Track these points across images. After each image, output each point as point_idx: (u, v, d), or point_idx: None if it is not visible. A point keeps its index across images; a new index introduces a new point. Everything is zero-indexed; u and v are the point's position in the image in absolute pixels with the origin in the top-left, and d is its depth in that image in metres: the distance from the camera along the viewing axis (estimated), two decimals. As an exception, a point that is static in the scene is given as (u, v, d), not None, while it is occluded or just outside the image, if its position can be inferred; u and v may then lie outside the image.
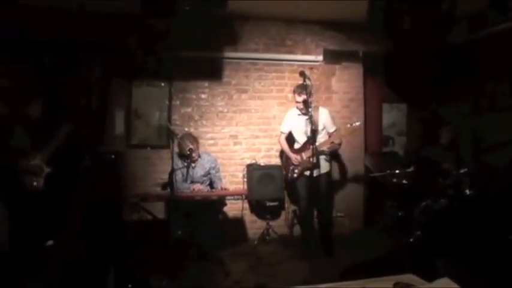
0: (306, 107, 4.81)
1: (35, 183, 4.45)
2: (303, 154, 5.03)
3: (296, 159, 5.08)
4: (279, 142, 5.42)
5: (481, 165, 5.64)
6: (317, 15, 5.81)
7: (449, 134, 5.59)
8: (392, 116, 6.76)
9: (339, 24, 6.02)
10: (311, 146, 4.62)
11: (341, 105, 6.24)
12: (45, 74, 5.12)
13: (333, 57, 6.19)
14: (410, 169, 5.31)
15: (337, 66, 6.26)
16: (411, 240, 4.86)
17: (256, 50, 6.01)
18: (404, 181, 5.35)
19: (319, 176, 4.99)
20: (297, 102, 4.97)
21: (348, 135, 5.26)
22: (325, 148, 5.00)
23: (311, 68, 6.04)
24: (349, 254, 4.80)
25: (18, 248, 4.32)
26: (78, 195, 4.68)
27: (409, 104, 6.78)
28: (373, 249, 4.79)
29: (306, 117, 4.87)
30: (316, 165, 4.86)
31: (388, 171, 5.46)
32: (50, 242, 4.54)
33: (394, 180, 5.43)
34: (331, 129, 5.13)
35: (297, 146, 5.22)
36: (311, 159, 4.64)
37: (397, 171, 5.38)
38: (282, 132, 5.34)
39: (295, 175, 5.12)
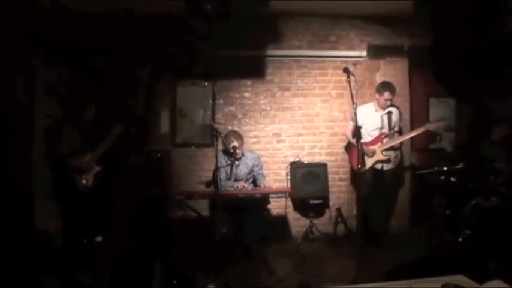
0: (390, 104, 5.13)
1: (84, 182, 4.62)
2: (376, 147, 5.17)
3: (370, 151, 5.20)
4: (346, 134, 5.53)
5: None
6: (360, 10, 5.70)
7: (502, 130, 5.40)
8: (439, 111, 6.54)
9: (383, 18, 5.88)
10: (383, 140, 5.06)
11: (386, 101, 6.10)
12: (95, 77, 5.29)
13: (377, 52, 6.06)
14: (459, 166, 5.15)
15: (382, 61, 6.12)
16: (460, 240, 4.71)
17: (299, 47, 5.97)
18: (452, 178, 5.20)
19: (389, 170, 5.26)
20: (386, 99, 5.13)
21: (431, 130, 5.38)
22: (397, 143, 5.28)
23: (354, 64, 5.94)
24: (396, 254, 4.70)
25: (68, 243, 4.51)
26: (126, 193, 4.83)
27: (458, 99, 6.54)
28: (420, 249, 4.70)
29: (382, 113, 5.18)
30: (389, 160, 5.23)
31: (436, 168, 5.31)
32: (99, 238, 4.72)
33: (442, 177, 5.28)
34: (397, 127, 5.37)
35: (365, 139, 5.25)
36: (384, 152, 5.16)
37: (445, 168, 5.23)
38: (350, 125, 5.33)
39: (365, 167, 5.11)
